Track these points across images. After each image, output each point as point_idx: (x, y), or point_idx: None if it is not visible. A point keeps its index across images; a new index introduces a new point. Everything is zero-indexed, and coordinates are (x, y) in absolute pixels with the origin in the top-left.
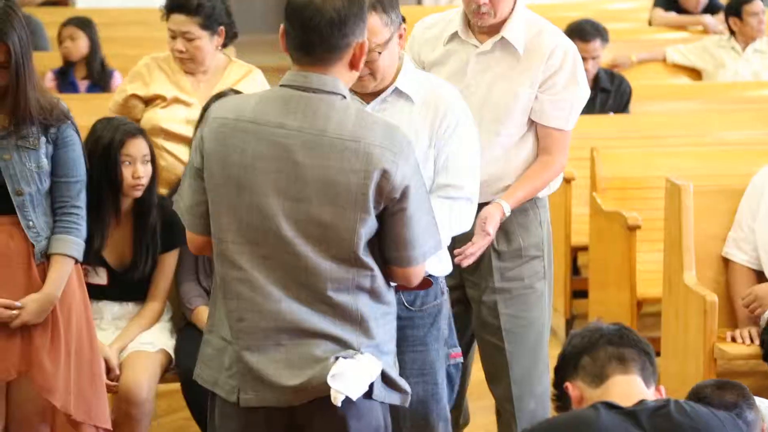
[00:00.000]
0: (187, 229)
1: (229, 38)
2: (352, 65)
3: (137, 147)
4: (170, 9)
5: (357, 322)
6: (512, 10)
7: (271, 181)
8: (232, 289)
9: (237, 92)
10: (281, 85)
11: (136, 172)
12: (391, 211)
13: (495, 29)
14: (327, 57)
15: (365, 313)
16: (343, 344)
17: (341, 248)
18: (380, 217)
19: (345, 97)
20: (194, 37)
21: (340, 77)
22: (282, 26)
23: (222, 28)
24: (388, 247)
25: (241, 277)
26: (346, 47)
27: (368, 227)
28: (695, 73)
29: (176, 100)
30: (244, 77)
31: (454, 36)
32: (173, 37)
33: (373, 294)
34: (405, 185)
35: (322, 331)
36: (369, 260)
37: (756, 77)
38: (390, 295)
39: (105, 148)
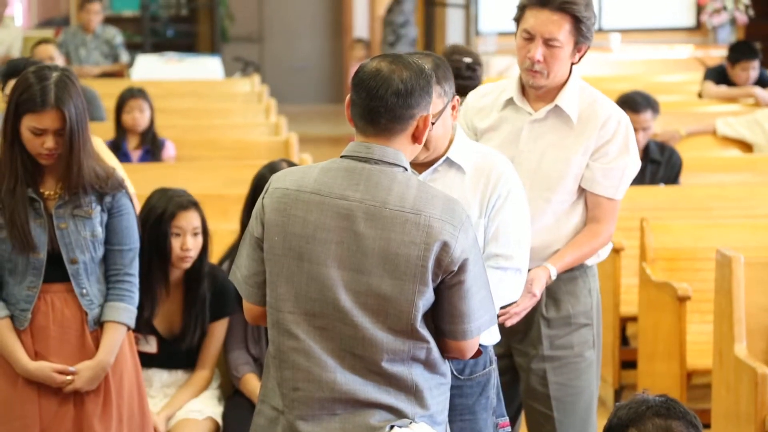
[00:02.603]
0: (245, 299)
1: None
2: (415, 138)
3: (188, 219)
4: None
5: (412, 392)
6: (567, 79)
7: (331, 252)
8: (287, 358)
9: (290, 162)
10: (343, 156)
11: (184, 244)
12: (448, 284)
13: (549, 96)
14: (390, 128)
15: (420, 383)
16: (398, 414)
17: (399, 320)
18: (437, 290)
19: (406, 169)
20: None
21: (402, 149)
22: (348, 96)
23: None
24: (443, 320)
25: (297, 346)
26: (410, 119)
27: (426, 299)
28: (746, 146)
29: None
30: None
31: (509, 102)
32: None
33: (428, 365)
34: (464, 258)
35: (377, 401)
36: (425, 333)
37: None
38: (444, 367)
39: (156, 219)
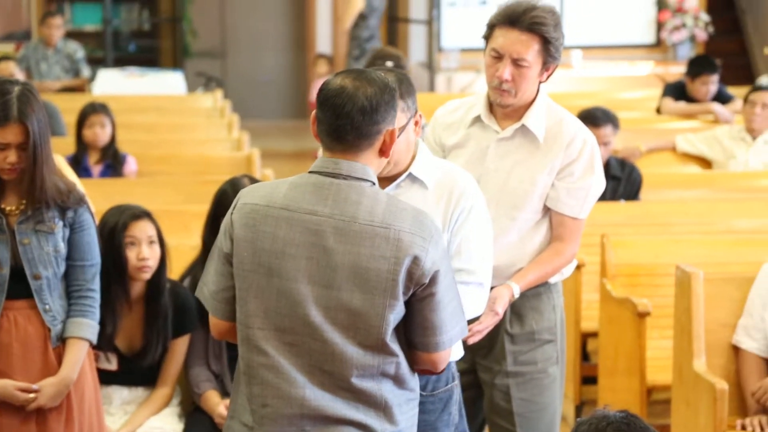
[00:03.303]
0: (212, 315)
1: None
2: (382, 152)
3: (141, 228)
4: None
5: (381, 408)
6: (534, 98)
7: (301, 268)
8: (256, 374)
9: (252, 178)
10: (311, 172)
11: (140, 253)
12: (420, 296)
13: (517, 115)
14: (358, 144)
15: (389, 399)
16: (368, 430)
17: (369, 335)
18: (408, 303)
19: (374, 184)
20: None
21: (370, 164)
22: (313, 113)
23: None
24: (415, 333)
25: (267, 363)
26: (377, 134)
27: (396, 313)
28: (705, 162)
29: None
30: None
31: (477, 120)
32: None
33: (398, 380)
34: (435, 270)
35: (346, 418)
36: (395, 347)
37: (766, 168)
38: (413, 382)
39: (110, 232)
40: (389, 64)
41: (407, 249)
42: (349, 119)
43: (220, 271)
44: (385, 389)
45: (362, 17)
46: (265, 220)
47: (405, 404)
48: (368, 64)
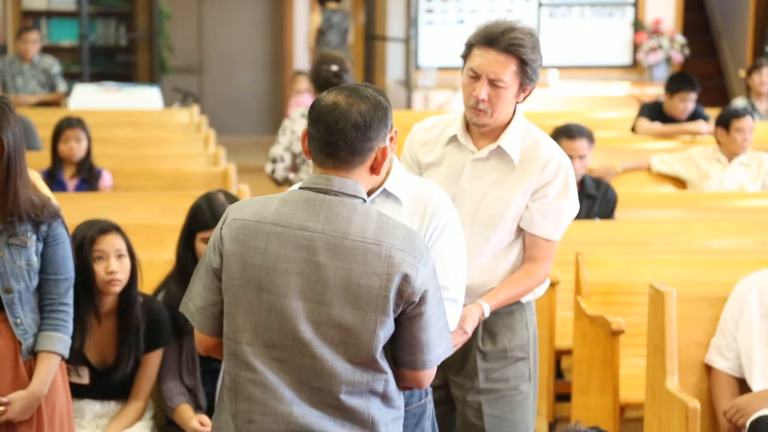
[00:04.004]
0: (198, 330)
1: None
2: (373, 169)
3: (108, 242)
4: None
5: (368, 426)
6: (511, 119)
7: (292, 283)
8: (243, 390)
9: (227, 193)
10: (302, 187)
11: (108, 267)
12: (409, 315)
13: (493, 135)
14: (350, 160)
15: (377, 417)
16: None
17: (359, 351)
18: (397, 321)
19: (365, 201)
20: None
21: (361, 181)
22: (304, 128)
23: None
24: (403, 351)
25: (254, 378)
26: (369, 151)
27: (387, 330)
28: (680, 182)
29: None
30: None
31: (453, 139)
32: None
33: (385, 398)
34: (424, 289)
35: None
36: (384, 364)
37: (740, 189)
38: (400, 400)
39: (78, 247)
40: (333, 68)
41: (398, 266)
42: (342, 135)
43: (208, 286)
44: (373, 407)
45: (320, 33)
46: (255, 235)
47: (391, 423)
48: (314, 69)
